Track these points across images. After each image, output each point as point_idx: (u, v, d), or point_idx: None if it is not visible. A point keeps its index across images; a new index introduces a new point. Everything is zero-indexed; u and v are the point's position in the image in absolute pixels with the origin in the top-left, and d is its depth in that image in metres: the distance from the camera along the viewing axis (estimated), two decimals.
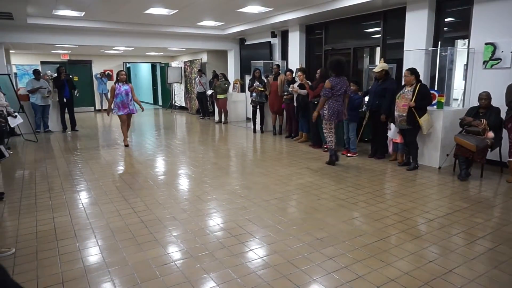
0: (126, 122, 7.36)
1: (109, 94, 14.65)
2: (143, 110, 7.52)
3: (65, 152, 7.12)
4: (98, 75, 14.60)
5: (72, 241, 3.18)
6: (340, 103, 5.56)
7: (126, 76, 7.24)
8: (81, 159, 6.37)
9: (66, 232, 3.37)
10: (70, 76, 9.83)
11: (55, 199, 4.28)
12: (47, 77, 9.33)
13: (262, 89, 8.61)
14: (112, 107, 7.26)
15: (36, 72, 9.21)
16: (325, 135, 5.81)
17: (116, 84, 7.12)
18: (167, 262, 2.79)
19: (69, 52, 13.88)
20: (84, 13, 7.91)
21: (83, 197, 4.37)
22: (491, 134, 4.79)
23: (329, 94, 5.47)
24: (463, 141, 4.83)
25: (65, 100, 9.36)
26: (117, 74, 7.24)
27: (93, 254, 2.94)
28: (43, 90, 8.98)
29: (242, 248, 3.02)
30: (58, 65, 11.65)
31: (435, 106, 5.55)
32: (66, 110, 9.56)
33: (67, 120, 9.65)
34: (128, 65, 17.17)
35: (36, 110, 9.12)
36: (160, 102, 17.62)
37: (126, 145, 7.44)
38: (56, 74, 9.59)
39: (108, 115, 7.49)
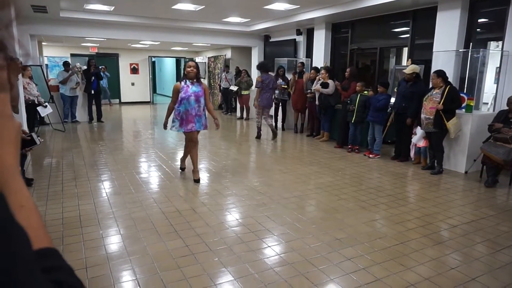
0: (195, 141, 4.72)
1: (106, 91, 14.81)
2: (217, 127, 4.75)
3: (90, 142, 7.33)
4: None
5: (95, 228, 3.28)
6: (270, 94, 7.57)
7: (197, 71, 4.55)
8: (106, 150, 6.54)
9: (90, 219, 3.48)
10: (100, 67, 10.08)
11: (81, 187, 4.42)
12: (76, 69, 9.63)
13: (286, 86, 8.58)
14: (172, 119, 4.63)
15: (65, 64, 9.54)
16: (257, 119, 7.83)
17: (182, 83, 4.50)
18: (186, 254, 2.83)
19: (98, 45, 14.24)
20: (113, 7, 8.09)
21: (107, 187, 4.50)
22: None
23: (261, 86, 7.42)
24: (490, 154, 4.67)
25: (92, 92, 9.64)
26: (185, 67, 4.67)
27: (115, 242, 3.03)
28: (73, 78, 9.28)
29: (260, 244, 3.04)
30: (87, 58, 12.01)
31: (463, 110, 5.38)
32: (94, 102, 9.84)
33: (93, 111, 9.93)
34: (153, 59, 17.45)
35: (65, 101, 9.44)
36: None
37: (197, 180, 4.74)
38: (85, 67, 9.88)
39: (165, 128, 4.71)
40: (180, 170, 5.21)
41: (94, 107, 9.87)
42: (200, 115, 4.54)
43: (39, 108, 7.44)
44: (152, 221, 3.45)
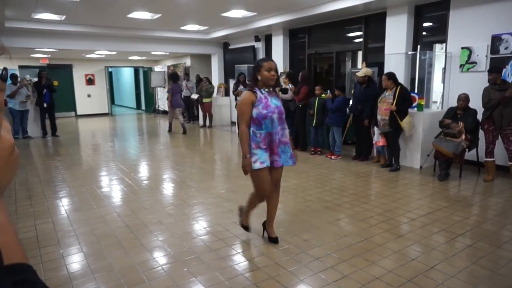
0: (278, 183, 3.19)
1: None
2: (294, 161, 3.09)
3: (45, 158, 6.96)
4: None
5: (55, 248, 3.12)
6: (178, 97, 9.84)
7: (278, 74, 2.99)
8: (63, 165, 6.24)
9: (49, 239, 3.30)
10: (50, 79, 9.61)
11: (37, 206, 4.19)
12: (26, 82, 9.11)
13: None
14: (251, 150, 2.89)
15: (13, 77, 9.00)
16: (169, 116, 10.09)
17: (258, 93, 2.90)
18: (154, 267, 2.77)
19: (49, 56, 13.56)
20: (64, 16, 7.78)
21: (66, 204, 4.29)
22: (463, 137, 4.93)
23: (170, 92, 9.77)
24: (441, 149, 4.99)
25: (45, 105, 9.17)
26: (257, 67, 2.93)
27: (78, 260, 2.90)
28: (23, 91, 8.78)
29: (229, 251, 3.03)
30: (37, 69, 11.42)
31: (415, 109, 5.70)
32: (47, 116, 9.36)
33: (47, 125, 9.44)
34: (110, 69, 16.91)
35: (15, 116, 8.89)
36: (143, 107, 17.43)
37: (274, 238, 3.18)
38: (36, 79, 9.38)
39: (247, 172, 2.88)
40: (241, 227, 3.35)
41: (48, 121, 9.38)
42: (285, 142, 2.97)
43: None
44: (116, 236, 3.33)
